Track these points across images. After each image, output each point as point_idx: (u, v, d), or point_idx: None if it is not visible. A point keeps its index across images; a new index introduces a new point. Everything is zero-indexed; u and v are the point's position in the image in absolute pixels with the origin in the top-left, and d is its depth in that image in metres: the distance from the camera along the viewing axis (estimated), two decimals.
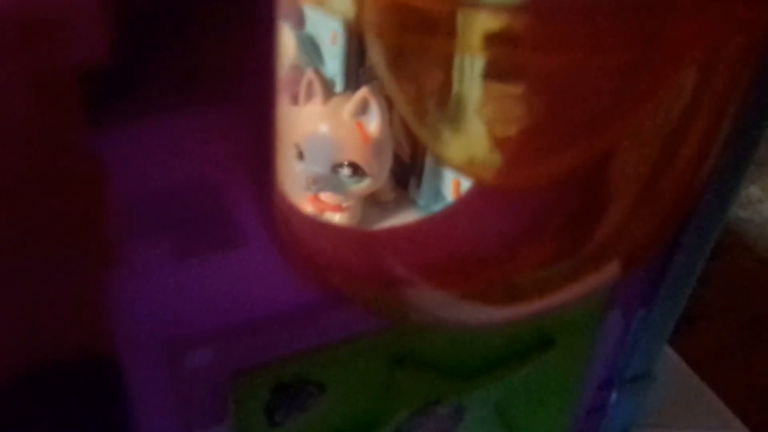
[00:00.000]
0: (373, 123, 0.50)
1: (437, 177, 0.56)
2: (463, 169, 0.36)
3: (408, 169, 0.57)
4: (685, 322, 0.59)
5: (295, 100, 0.56)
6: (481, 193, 0.32)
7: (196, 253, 0.26)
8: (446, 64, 0.28)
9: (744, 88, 0.26)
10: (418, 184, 0.57)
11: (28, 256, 0.23)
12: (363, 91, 0.50)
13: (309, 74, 0.51)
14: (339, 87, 0.62)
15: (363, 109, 0.50)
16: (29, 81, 0.19)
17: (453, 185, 0.54)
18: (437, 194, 0.56)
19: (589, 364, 0.39)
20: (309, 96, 0.51)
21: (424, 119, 0.30)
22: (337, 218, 0.54)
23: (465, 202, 0.34)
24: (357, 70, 0.59)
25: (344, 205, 0.54)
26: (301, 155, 0.51)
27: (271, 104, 0.23)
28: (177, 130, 0.22)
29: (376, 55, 0.29)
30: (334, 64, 0.64)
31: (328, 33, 0.65)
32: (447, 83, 0.28)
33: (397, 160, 0.56)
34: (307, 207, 0.54)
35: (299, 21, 0.68)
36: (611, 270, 0.30)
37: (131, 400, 0.28)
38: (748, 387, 0.61)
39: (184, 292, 0.27)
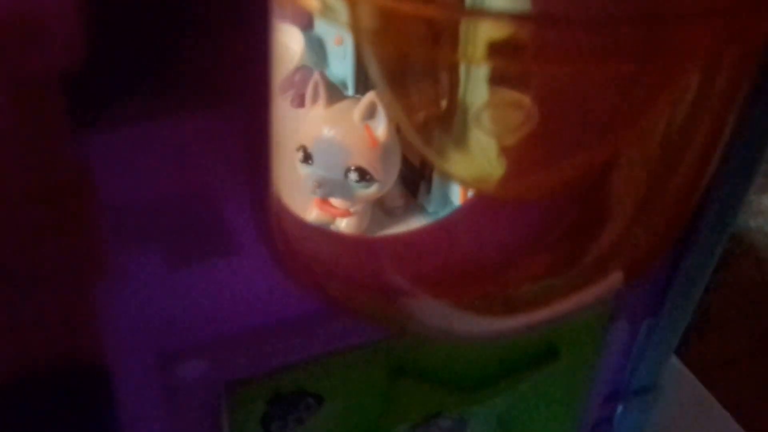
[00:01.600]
0: (381, 127, 0.50)
1: (446, 183, 0.55)
2: (466, 183, 0.35)
3: (418, 174, 0.57)
4: (694, 333, 0.59)
5: (302, 101, 0.56)
6: (480, 204, 0.32)
7: (187, 262, 0.26)
8: (447, 76, 0.28)
9: (744, 96, 0.26)
10: (428, 190, 0.57)
11: (13, 264, 0.22)
12: (371, 95, 0.50)
13: (315, 77, 0.51)
14: (350, 90, 0.62)
15: (371, 113, 0.50)
16: (8, 85, 0.18)
17: (461, 191, 0.54)
18: (446, 200, 0.56)
19: (594, 375, 0.39)
20: (314, 99, 0.51)
21: (425, 135, 0.30)
22: (344, 223, 0.54)
23: (464, 212, 0.34)
24: (367, 74, 0.59)
25: (352, 210, 0.54)
26: (307, 158, 0.50)
27: (265, 109, 0.22)
28: (166, 135, 0.22)
29: (374, 72, 0.29)
30: (344, 67, 0.64)
31: (334, 35, 0.65)
32: (448, 97, 0.28)
33: (408, 165, 0.56)
34: (314, 211, 0.54)
35: (307, 22, 0.67)
36: (613, 281, 0.30)
37: (121, 412, 0.28)
38: (757, 399, 0.61)
39: (176, 302, 0.26)
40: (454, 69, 0.27)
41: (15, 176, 0.20)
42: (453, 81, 0.27)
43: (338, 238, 0.36)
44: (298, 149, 0.51)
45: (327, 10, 0.21)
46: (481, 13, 0.21)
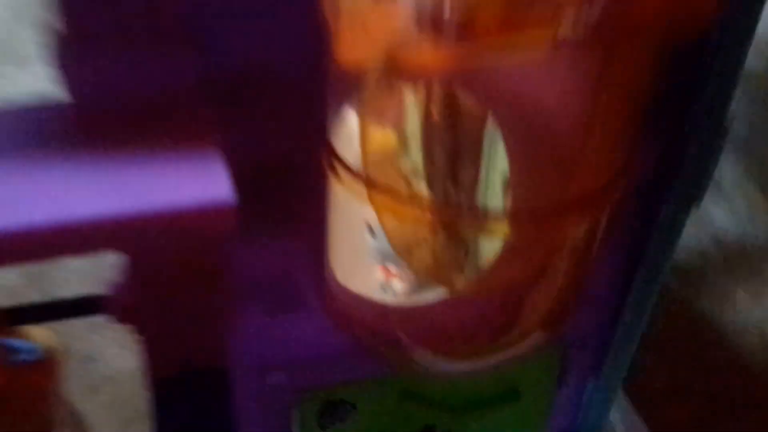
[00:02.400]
0: None
1: None
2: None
3: None
4: (660, 399, 0.63)
5: None
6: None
7: (279, 313, 0.42)
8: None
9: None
10: None
11: (183, 311, 0.38)
12: None
13: None
14: None
15: None
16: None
17: None
18: None
19: (549, 415, 0.46)
20: None
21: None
22: (398, 284, 0.64)
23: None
24: None
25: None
26: (371, 232, 0.61)
27: (323, 232, 0.37)
28: (274, 246, 0.37)
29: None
30: None
31: None
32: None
33: None
34: (377, 272, 0.65)
35: None
36: (535, 339, 0.39)
37: (235, 401, 0.43)
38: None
39: (270, 336, 0.42)
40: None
41: (190, 272, 0.36)
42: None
43: (371, 303, 0.42)
44: (365, 224, 0.62)
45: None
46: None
